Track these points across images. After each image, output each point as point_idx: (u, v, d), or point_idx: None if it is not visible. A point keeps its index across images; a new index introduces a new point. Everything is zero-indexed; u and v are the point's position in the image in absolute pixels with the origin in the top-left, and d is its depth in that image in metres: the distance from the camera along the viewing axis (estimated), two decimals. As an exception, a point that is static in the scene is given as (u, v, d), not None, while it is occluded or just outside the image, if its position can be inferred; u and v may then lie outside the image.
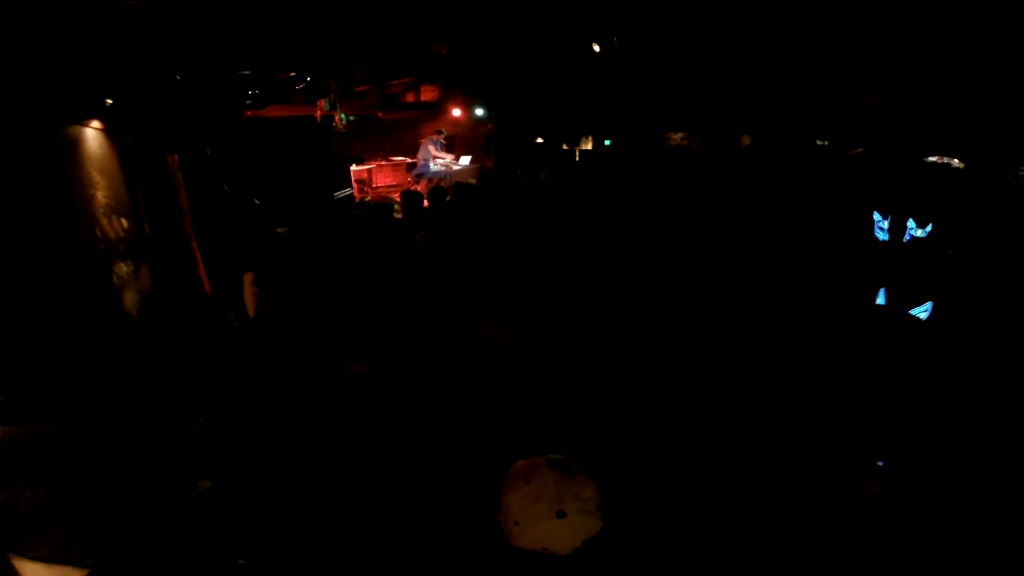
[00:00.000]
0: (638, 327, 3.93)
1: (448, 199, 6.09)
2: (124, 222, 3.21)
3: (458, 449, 2.28)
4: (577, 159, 10.46)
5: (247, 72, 5.13)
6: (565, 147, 10.57)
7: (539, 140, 10.52)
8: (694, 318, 4.08)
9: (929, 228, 4.14)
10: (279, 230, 5.26)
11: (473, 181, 8.71)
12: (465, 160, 9.52)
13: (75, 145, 2.60)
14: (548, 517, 1.14)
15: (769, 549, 2.08)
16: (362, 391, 2.90)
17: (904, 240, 4.27)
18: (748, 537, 2.12)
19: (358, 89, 8.58)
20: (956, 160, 6.07)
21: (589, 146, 10.64)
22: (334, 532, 2.13)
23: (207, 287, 4.53)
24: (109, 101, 2.79)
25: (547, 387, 2.84)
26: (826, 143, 8.44)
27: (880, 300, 3.60)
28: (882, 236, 4.52)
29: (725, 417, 2.89)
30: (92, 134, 2.78)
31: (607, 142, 10.38)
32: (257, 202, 5.33)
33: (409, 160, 9.66)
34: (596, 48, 8.75)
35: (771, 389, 3.16)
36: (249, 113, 6.00)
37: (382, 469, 2.37)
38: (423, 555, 1.80)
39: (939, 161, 6.14)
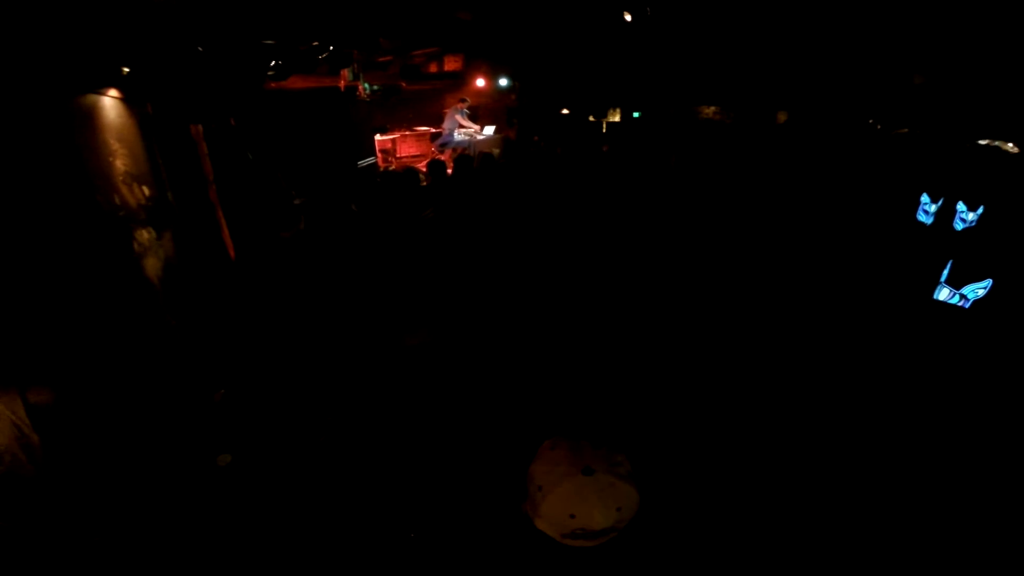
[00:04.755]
0: (664, 308, 3.88)
1: (474, 168, 6.13)
2: (145, 190, 3.31)
3: (480, 435, 2.29)
4: (604, 131, 10.23)
5: (270, 42, 5.14)
6: (592, 119, 10.33)
7: (565, 111, 10.30)
8: (717, 302, 4.01)
9: (980, 211, 3.97)
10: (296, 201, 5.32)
11: (496, 151, 8.65)
12: (489, 130, 9.43)
13: (92, 113, 2.62)
14: (573, 474, 1.03)
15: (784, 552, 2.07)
16: (412, 361, 2.87)
17: (955, 224, 4.11)
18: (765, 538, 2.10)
19: (381, 60, 8.52)
20: (1011, 144, 5.71)
21: (617, 118, 10.37)
22: (350, 514, 2.15)
23: (232, 253, 4.66)
24: (126, 70, 2.84)
25: (573, 370, 2.83)
26: (871, 121, 8.03)
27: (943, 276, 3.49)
28: (925, 219, 4.34)
29: (753, 406, 2.85)
30: (110, 103, 2.82)
31: (636, 114, 10.08)
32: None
33: (433, 130, 9.62)
34: (628, 17, 8.43)
35: (800, 375, 3.10)
36: (272, 85, 6.04)
37: (403, 453, 2.37)
38: (442, 544, 1.80)
39: (990, 144, 5.80)
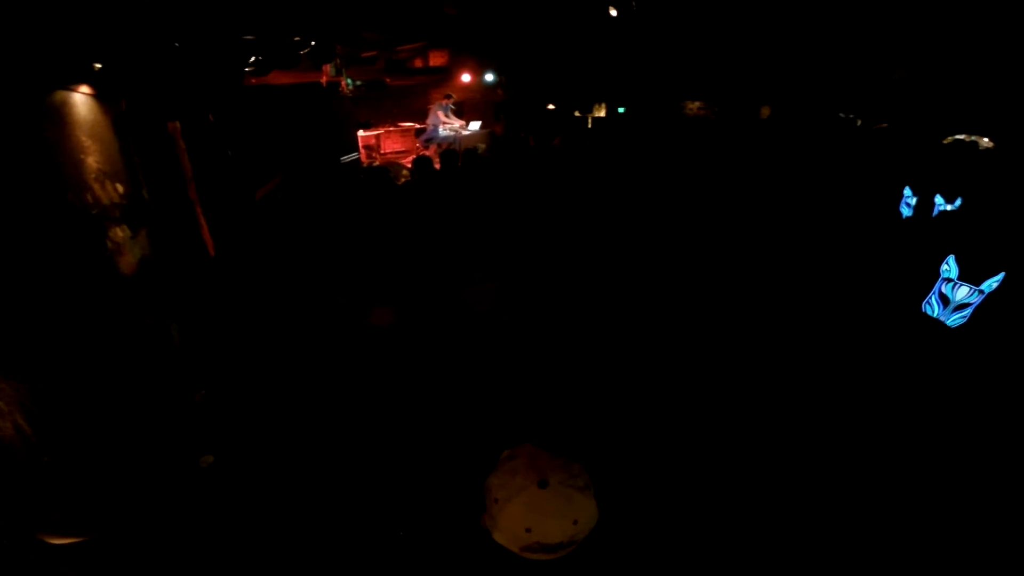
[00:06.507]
0: (646, 305, 3.88)
1: (459, 163, 6.15)
2: (119, 187, 3.26)
3: (455, 440, 2.28)
4: (589, 126, 10.24)
5: (250, 37, 5.07)
6: (577, 114, 10.33)
7: (550, 107, 10.30)
8: (705, 298, 4.01)
9: (959, 202, 4.04)
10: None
11: (482, 147, 8.63)
12: (475, 125, 9.41)
13: (62, 110, 2.57)
14: (529, 486, 1.01)
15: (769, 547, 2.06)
16: (383, 343, 2.86)
17: (933, 215, 4.17)
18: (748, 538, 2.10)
19: (366, 55, 8.45)
20: (986, 139, 5.83)
21: (602, 113, 10.38)
22: (334, 512, 2.16)
23: (211, 250, 4.62)
24: (98, 66, 2.80)
25: (546, 367, 2.81)
26: (851, 116, 8.13)
27: (953, 271, 3.51)
28: (907, 212, 4.42)
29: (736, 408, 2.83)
30: (81, 99, 2.77)
31: (621, 110, 10.11)
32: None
33: (418, 126, 9.58)
34: (613, 12, 8.43)
35: (785, 376, 3.09)
36: (253, 81, 5.97)
37: (382, 459, 2.38)
38: (412, 550, 1.81)
39: (967, 139, 5.91)
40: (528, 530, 1.01)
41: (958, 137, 5.94)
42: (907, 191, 4.36)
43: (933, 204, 4.16)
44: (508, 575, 1.06)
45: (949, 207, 4.08)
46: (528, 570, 1.04)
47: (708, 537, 2.06)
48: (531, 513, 1.01)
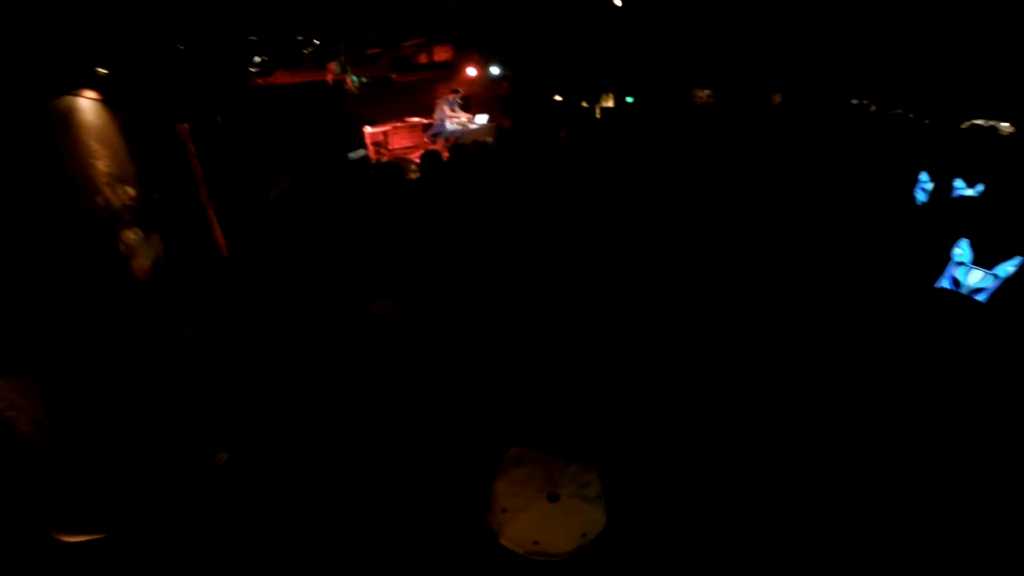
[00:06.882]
0: (660, 297, 3.85)
1: (470, 153, 6.18)
2: (130, 191, 3.29)
3: (461, 437, 2.28)
4: (598, 116, 10.17)
5: (253, 38, 5.10)
6: (585, 104, 10.25)
7: (557, 98, 10.23)
8: (716, 289, 3.97)
9: (980, 188, 3.96)
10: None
11: (490, 140, 8.61)
12: (482, 119, 9.38)
13: (69, 115, 2.59)
14: (539, 500, 0.98)
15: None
16: (383, 331, 2.87)
17: (950, 200, 4.10)
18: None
19: (369, 52, 8.47)
20: (1005, 124, 5.69)
21: (610, 104, 10.29)
22: (348, 509, 2.18)
23: (224, 251, 4.68)
24: (102, 71, 2.83)
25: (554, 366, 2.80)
26: (864, 102, 7.98)
27: (966, 255, 3.44)
28: (922, 197, 4.34)
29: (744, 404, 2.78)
30: (88, 104, 2.80)
31: (629, 99, 10.01)
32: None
33: (425, 121, 9.57)
34: (617, 1, 8.33)
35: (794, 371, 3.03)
36: (260, 81, 6.00)
37: (389, 456, 2.39)
38: (416, 552, 1.82)
39: (985, 124, 5.78)
40: (536, 542, 1.00)
41: (976, 122, 5.81)
42: (924, 176, 4.29)
43: (951, 189, 4.09)
44: (512, 573, 1.05)
45: (969, 192, 4.01)
46: (532, 570, 1.03)
47: (718, 541, 2.03)
48: (539, 526, 0.99)
